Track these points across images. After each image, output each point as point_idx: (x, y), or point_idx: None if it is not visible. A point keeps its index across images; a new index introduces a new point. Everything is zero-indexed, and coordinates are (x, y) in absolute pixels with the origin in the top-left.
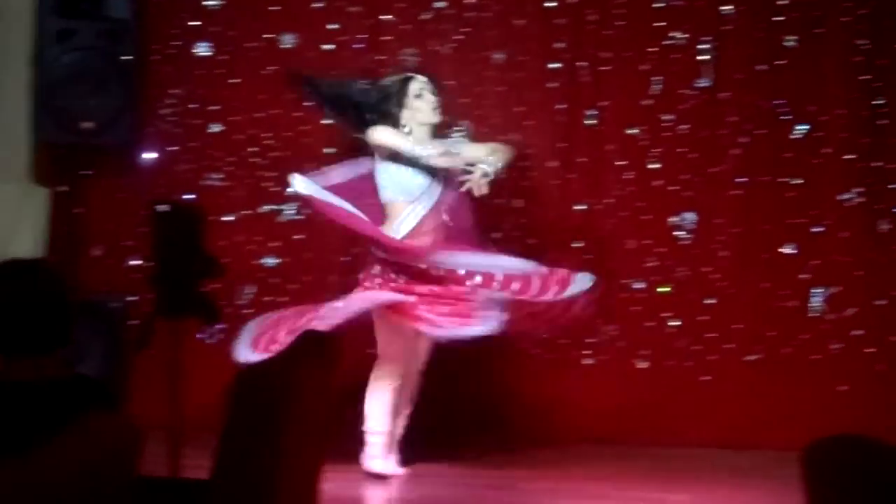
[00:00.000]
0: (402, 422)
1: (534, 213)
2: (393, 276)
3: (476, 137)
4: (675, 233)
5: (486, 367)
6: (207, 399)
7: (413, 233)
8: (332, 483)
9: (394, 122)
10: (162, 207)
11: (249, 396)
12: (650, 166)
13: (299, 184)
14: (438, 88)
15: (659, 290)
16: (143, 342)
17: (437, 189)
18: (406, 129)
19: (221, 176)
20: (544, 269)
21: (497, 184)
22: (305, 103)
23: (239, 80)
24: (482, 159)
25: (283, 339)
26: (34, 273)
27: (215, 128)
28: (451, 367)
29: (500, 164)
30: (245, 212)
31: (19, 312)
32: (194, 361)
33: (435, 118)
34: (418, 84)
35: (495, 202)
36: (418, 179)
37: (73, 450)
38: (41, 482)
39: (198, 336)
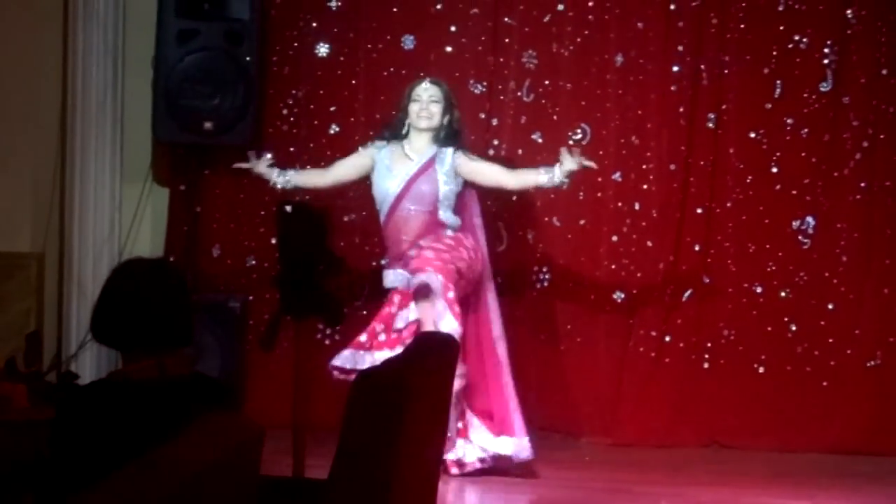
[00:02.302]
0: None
1: (652, 217)
2: None
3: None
4: (795, 237)
5: (602, 368)
6: (324, 399)
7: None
8: (445, 485)
9: (399, 128)
10: (287, 207)
11: (369, 398)
12: (770, 170)
13: None
14: (444, 94)
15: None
16: (269, 343)
17: None
18: (405, 133)
19: None
20: None
21: (618, 186)
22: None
23: (358, 82)
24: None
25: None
26: (157, 271)
27: (334, 129)
28: (565, 365)
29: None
30: (363, 213)
31: (142, 311)
32: (314, 362)
33: (421, 123)
34: (417, 88)
35: (615, 205)
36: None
37: (195, 449)
38: (163, 481)
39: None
